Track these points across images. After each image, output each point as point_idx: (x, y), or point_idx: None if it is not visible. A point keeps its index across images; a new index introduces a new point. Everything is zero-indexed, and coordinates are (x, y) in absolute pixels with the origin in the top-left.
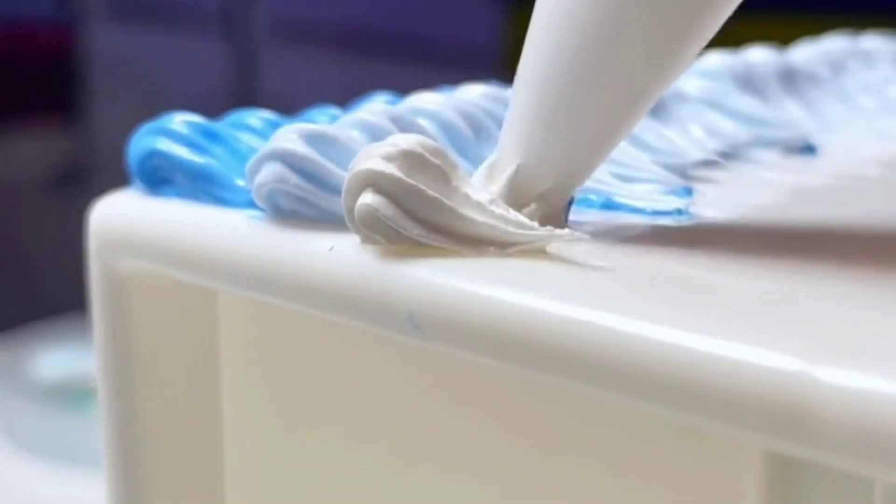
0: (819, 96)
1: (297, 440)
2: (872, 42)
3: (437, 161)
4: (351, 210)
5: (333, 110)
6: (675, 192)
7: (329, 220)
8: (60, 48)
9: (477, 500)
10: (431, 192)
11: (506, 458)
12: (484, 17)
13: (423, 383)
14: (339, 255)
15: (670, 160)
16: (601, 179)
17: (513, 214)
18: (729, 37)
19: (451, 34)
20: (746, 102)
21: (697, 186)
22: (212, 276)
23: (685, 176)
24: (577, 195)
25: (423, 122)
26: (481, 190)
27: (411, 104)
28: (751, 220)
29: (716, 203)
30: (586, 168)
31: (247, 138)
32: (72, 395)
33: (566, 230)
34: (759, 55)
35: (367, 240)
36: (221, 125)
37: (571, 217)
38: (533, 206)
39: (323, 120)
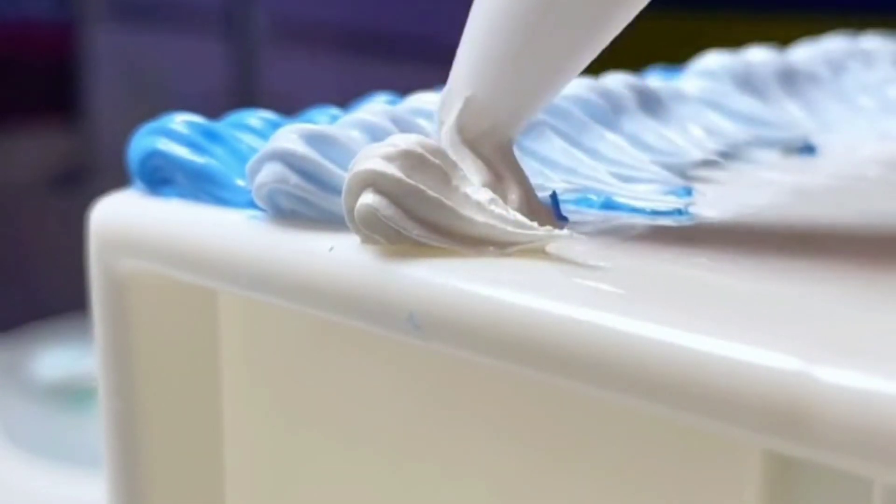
0: (819, 96)
1: (297, 440)
2: (872, 42)
3: (437, 161)
4: (351, 210)
5: (333, 110)
6: (674, 192)
7: (329, 220)
8: (61, 48)
9: (477, 499)
10: (431, 192)
11: (505, 457)
12: None
13: (422, 383)
14: (339, 255)
15: (670, 160)
16: (601, 179)
17: (512, 214)
18: (729, 37)
19: (451, 34)
20: (746, 102)
21: (697, 186)
22: (212, 276)
23: (685, 176)
24: (577, 195)
25: (423, 122)
26: (480, 190)
27: (411, 104)
28: (750, 220)
29: (715, 203)
30: (531, 107)
31: (247, 138)
32: (72, 395)
33: (566, 230)
34: (758, 55)
35: (367, 240)
36: (222, 125)
37: (571, 217)
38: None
39: (323, 120)
